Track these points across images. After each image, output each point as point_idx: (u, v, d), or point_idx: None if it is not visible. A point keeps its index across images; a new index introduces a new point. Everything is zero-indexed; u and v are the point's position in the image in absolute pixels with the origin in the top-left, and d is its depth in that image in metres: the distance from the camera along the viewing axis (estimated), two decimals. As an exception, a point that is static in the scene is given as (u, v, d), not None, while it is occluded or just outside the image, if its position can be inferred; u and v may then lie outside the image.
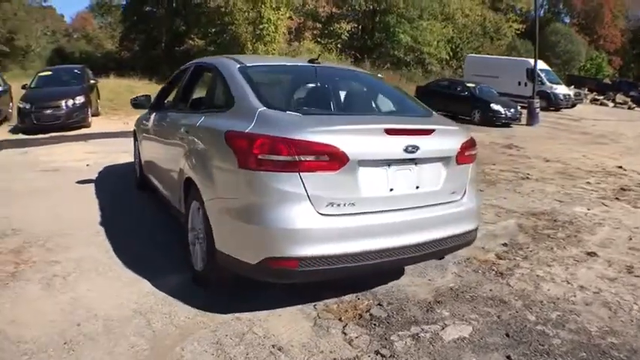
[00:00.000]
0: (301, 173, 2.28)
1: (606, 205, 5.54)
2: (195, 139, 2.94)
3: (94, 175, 6.07)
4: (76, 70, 12.31)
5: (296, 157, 2.26)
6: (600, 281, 3.39)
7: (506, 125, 14.44)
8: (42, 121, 9.67)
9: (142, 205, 4.83)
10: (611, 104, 25.79)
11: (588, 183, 6.81)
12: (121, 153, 7.15)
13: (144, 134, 4.77)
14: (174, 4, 28.98)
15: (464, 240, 2.93)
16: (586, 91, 26.68)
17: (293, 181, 2.27)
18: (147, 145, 4.64)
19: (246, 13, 21.83)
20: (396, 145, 2.49)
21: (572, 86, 24.75)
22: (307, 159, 2.28)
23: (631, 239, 4.34)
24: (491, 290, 3.18)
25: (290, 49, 23.52)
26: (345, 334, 2.52)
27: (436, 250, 2.78)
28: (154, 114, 4.40)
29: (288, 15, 23.02)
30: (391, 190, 2.53)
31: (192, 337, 2.45)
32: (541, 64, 19.22)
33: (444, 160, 2.76)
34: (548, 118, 16.63)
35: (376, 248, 2.43)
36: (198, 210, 2.85)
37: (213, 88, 3.24)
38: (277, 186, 2.29)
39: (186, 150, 3.08)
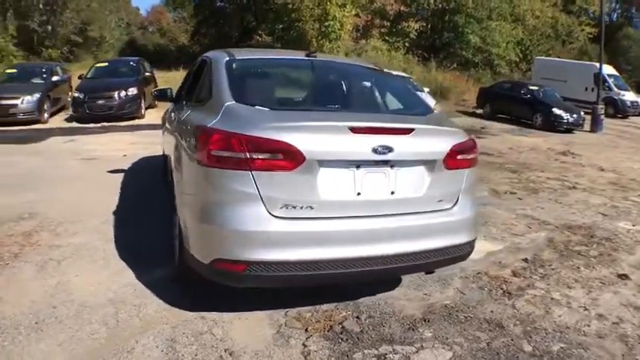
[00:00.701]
0: (253, 172, 2.14)
1: (656, 223, 4.89)
2: (178, 133, 2.91)
3: (127, 165, 6.33)
4: (132, 63, 12.89)
5: (247, 154, 2.12)
6: (624, 310, 2.95)
7: (569, 131, 13.47)
8: (94, 110, 10.16)
9: (160, 197, 4.93)
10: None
11: (640, 196, 6.08)
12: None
13: (164, 126, 4.89)
14: (244, 0, 29.70)
15: (455, 254, 2.63)
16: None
17: (244, 180, 2.14)
18: (164, 136, 4.75)
19: (312, 10, 21.91)
20: (363, 145, 2.25)
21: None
22: (259, 156, 2.13)
23: (675, 264, 3.77)
24: (491, 312, 2.86)
25: (357, 47, 23.31)
26: (304, 346, 2.36)
27: (419, 264, 2.51)
28: (171, 106, 4.49)
29: (354, 12, 22.77)
30: (359, 194, 2.30)
31: (150, 332, 2.42)
32: (610, 70, 17.83)
33: (427, 163, 2.47)
34: (613, 126, 15.40)
35: (339, 257, 2.23)
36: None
37: (202, 82, 3.20)
38: (228, 184, 2.17)
39: (173, 143, 3.07)
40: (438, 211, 2.52)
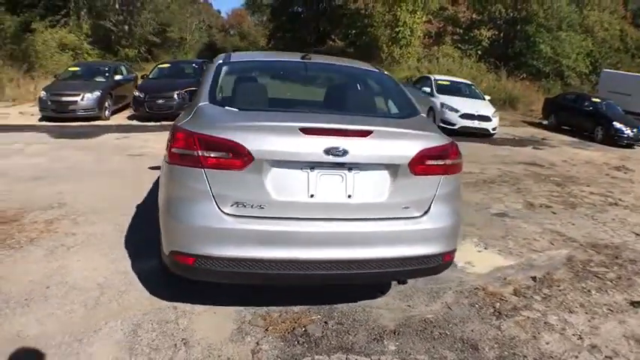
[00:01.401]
0: (206, 169, 2.21)
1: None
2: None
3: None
4: (194, 64, 13.39)
5: (200, 152, 2.21)
6: (623, 342, 2.69)
7: (629, 146, 12.43)
8: (154, 109, 10.64)
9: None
10: None
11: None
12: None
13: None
14: (320, 6, 30.47)
15: (424, 265, 2.52)
16: None
17: (198, 177, 2.22)
18: None
19: (383, 16, 22.17)
20: (315, 147, 2.23)
21: None
22: (211, 155, 2.21)
23: None
24: (472, 331, 2.72)
25: (428, 54, 23.29)
26: (257, 344, 2.40)
27: (381, 272, 2.43)
28: None
29: (424, 18, 22.85)
30: (312, 196, 2.29)
31: (123, 316, 2.58)
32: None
33: (390, 168, 2.38)
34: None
35: (291, 258, 2.24)
36: None
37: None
38: (185, 181, 2.27)
39: None
40: (403, 218, 2.43)
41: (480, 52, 23.57)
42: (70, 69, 12.61)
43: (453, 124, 11.40)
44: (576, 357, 2.51)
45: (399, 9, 21.61)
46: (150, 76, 12.33)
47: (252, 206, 2.24)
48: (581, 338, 2.69)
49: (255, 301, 2.78)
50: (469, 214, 5.05)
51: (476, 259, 3.83)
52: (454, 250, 2.67)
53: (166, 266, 2.51)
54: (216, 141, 2.21)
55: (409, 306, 2.98)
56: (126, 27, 23.82)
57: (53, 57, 18.01)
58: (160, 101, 10.71)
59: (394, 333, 2.62)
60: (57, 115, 10.09)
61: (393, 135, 2.43)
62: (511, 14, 24.47)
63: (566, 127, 14.11)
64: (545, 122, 15.16)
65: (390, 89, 3.17)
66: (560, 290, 3.33)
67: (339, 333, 2.58)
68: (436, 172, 2.48)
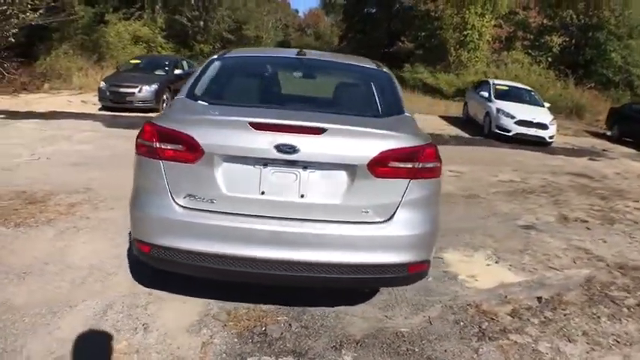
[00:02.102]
0: (162, 161, 2.28)
1: None
2: None
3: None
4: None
5: (157, 144, 2.27)
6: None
7: None
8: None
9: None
10: None
11: None
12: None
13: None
14: (391, 7, 30.22)
15: (385, 274, 2.39)
16: None
17: (156, 169, 2.29)
18: None
19: (452, 18, 22.02)
20: (265, 143, 2.19)
21: None
22: (167, 147, 2.26)
23: None
24: (444, 351, 2.55)
25: (497, 59, 22.86)
26: (211, 337, 2.43)
27: (334, 277, 2.34)
28: None
29: (493, 22, 22.45)
30: (262, 193, 2.26)
31: (100, 296, 2.74)
32: None
33: (348, 168, 2.29)
34: None
35: (241, 254, 2.24)
36: None
37: None
38: (146, 171, 2.36)
39: None
40: (362, 222, 2.32)
41: (550, 59, 22.69)
42: (131, 61, 13.32)
43: (508, 131, 10.94)
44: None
45: (467, 11, 21.27)
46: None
47: (203, 200, 2.27)
48: (568, 372, 2.43)
49: (232, 297, 2.80)
50: (492, 225, 4.77)
51: (481, 273, 3.59)
52: (424, 262, 2.50)
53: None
54: (171, 134, 2.27)
55: (387, 316, 2.85)
56: (201, 23, 24.33)
57: (125, 49, 18.56)
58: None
59: (357, 343, 2.52)
60: (115, 105, 10.70)
61: (350, 134, 2.30)
62: (582, 20, 23.36)
63: (628, 139, 12.90)
64: (609, 133, 14.01)
65: (380, 87, 3.05)
66: (565, 314, 3.02)
67: (299, 336, 2.53)
68: (402, 176, 2.33)
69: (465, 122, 13.39)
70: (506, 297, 3.24)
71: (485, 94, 12.30)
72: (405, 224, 2.35)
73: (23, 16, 13.78)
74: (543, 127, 10.80)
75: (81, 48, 17.33)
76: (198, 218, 2.27)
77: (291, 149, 2.20)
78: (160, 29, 21.42)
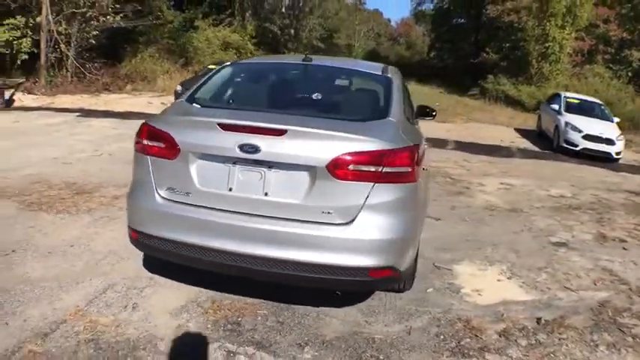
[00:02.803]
0: (149, 157, 2.55)
1: None
2: None
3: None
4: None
5: (145, 141, 2.56)
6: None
7: None
8: None
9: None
10: None
11: None
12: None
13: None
14: (479, 18, 29.94)
15: (346, 277, 2.42)
16: None
17: (145, 163, 2.57)
18: None
19: (534, 30, 21.84)
20: (231, 142, 2.36)
21: None
22: (153, 144, 2.54)
23: None
24: (417, 364, 2.51)
25: (578, 72, 22.28)
26: (187, 321, 2.62)
27: (295, 275, 2.43)
28: None
29: (574, 35, 21.93)
30: (230, 189, 2.43)
31: (106, 277, 3.06)
32: None
33: (309, 169, 2.37)
34: None
35: (211, 246, 2.42)
36: None
37: None
38: (138, 165, 2.67)
39: None
40: (322, 223, 2.38)
41: (630, 74, 21.79)
42: (209, 66, 13.52)
43: (576, 145, 10.41)
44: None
45: (548, 23, 20.95)
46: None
47: (180, 193, 2.51)
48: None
49: (228, 288, 2.95)
50: (522, 239, 4.56)
51: (487, 288, 3.47)
52: (389, 268, 2.49)
53: None
54: (156, 132, 2.55)
55: (367, 322, 2.86)
56: (292, 31, 24.96)
57: (215, 54, 18.92)
58: None
59: (323, 343, 2.57)
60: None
61: (310, 136, 2.39)
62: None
63: None
64: None
65: (375, 92, 3.12)
66: (559, 339, 2.82)
67: (270, 330, 2.64)
68: (365, 179, 2.35)
69: (537, 136, 12.84)
70: (502, 315, 3.09)
71: (556, 106, 11.79)
72: (367, 228, 2.38)
73: (104, 19, 14.56)
74: (610, 142, 10.20)
75: (167, 52, 17.87)
76: (175, 210, 2.51)
77: (253, 149, 2.35)
78: (249, 36, 21.82)
